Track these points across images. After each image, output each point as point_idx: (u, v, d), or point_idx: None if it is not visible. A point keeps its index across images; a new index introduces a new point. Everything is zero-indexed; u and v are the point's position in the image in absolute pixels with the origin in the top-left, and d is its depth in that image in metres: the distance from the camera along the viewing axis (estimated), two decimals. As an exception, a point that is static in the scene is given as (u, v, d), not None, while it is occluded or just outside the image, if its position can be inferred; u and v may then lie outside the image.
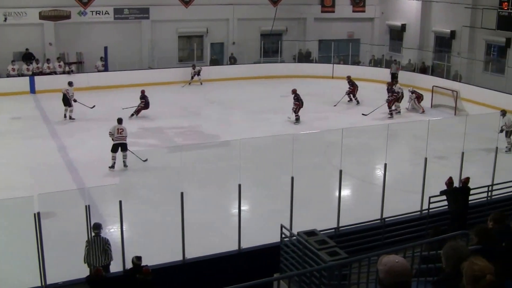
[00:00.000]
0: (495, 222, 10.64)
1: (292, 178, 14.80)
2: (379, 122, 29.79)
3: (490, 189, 17.58)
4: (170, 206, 16.12)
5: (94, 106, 30.56)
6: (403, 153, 24.95)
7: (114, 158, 22.45)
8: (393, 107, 32.03)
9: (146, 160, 22.96)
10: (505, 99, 32.19)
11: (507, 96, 33.20)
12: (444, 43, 42.93)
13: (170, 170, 21.27)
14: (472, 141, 20.85)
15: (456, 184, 16.29)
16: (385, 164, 16.17)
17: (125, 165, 22.70)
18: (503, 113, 25.38)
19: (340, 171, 15.38)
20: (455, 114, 32.50)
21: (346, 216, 15.76)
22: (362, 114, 31.89)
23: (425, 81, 37.53)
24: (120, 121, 23.37)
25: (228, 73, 41.44)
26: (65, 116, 30.00)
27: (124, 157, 22.67)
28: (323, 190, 20.42)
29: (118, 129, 22.71)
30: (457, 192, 15.89)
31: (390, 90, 32.00)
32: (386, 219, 15.81)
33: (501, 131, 24.54)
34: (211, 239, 16.42)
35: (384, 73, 40.41)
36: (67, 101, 29.77)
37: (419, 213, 16.63)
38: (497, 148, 18.45)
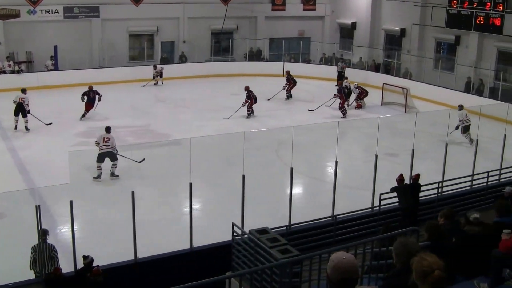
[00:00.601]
0: (446, 218, 10.81)
1: (243, 176, 14.78)
2: (329, 120, 29.88)
3: (440, 185, 17.73)
4: (121, 205, 16.03)
5: (51, 123, 28.53)
6: (354, 151, 25.07)
7: (99, 168, 21.17)
8: (345, 106, 32.17)
9: (143, 160, 21.70)
10: (455, 96, 32.59)
11: (457, 93, 33.72)
12: (394, 41, 43.37)
13: (121, 169, 21.17)
14: (422, 138, 21.04)
15: (407, 181, 16.45)
16: (336, 162, 16.24)
17: (113, 175, 21.40)
18: (461, 107, 25.71)
19: (291, 169, 15.41)
20: (405, 112, 32.71)
21: (297, 214, 15.81)
22: (308, 109, 32.26)
23: (376, 79, 37.93)
24: (108, 129, 22.06)
25: (179, 71, 41.22)
26: (15, 128, 27.43)
27: (113, 166, 21.43)
28: (274, 188, 20.45)
29: (104, 138, 21.46)
30: (407, 189, 16.04)
31: (339, 90, 32.09)
32: (337, 216, 15.85)
33: (457, 127, 24.89)
34: (163, 238, 16.29)
35: (335, 71, 40.78)
36: (23, 110, 27.43)
37: (370, 210, 16.75)
38: (447, 144, 18.61)
